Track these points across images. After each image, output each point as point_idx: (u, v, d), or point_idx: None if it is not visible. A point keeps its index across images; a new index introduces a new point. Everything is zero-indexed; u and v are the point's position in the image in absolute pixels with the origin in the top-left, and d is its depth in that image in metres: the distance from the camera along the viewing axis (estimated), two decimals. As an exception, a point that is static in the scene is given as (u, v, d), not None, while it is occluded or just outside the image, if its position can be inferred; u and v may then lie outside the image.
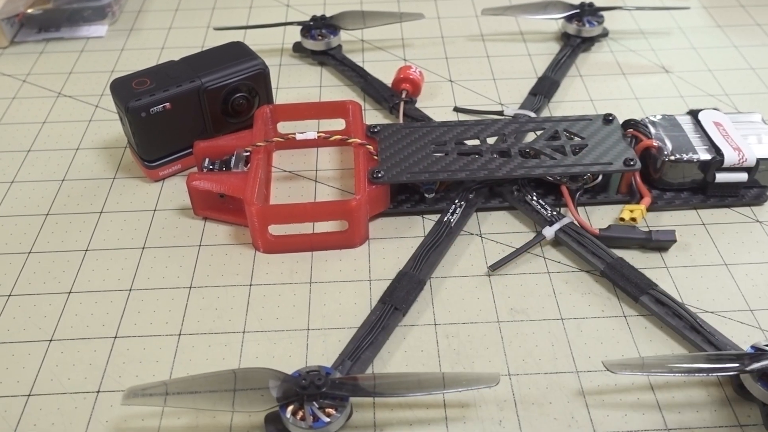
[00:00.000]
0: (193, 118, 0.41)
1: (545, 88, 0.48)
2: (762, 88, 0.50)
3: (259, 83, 0.42)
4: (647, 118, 0.42)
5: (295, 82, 0.51)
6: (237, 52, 0.43)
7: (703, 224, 0.39)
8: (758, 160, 0.39)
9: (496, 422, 0.30)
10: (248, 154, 0.40)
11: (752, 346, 0.31)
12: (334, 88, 0.51)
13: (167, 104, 0.39)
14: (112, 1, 0.58)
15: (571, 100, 0.49)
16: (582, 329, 0.34)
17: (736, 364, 0.29)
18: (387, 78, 0.49)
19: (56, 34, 0.57)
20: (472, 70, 0.52)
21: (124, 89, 0.40)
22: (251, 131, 0.42)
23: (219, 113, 0.42)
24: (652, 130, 0.41)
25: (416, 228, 0.39)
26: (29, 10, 0.56)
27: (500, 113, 0.47)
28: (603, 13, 0.54)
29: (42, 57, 0.55)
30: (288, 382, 0.29)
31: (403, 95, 0.47)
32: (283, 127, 0.45)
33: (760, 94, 0.49)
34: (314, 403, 0.28)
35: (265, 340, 0.34)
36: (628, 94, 0.49)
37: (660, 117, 0.42)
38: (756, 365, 0.29)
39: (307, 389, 0.28)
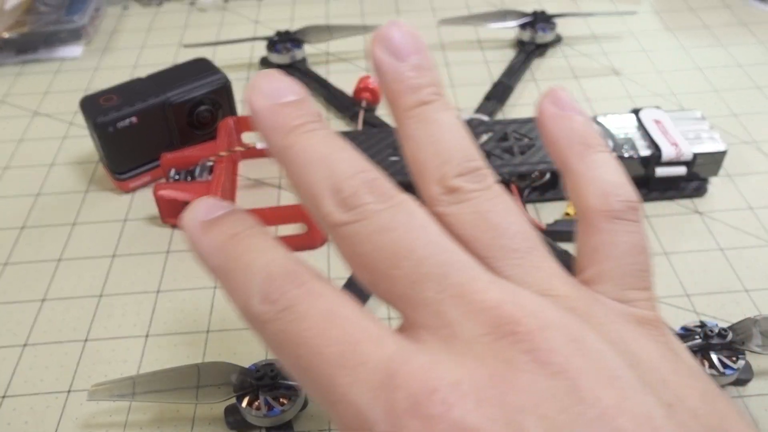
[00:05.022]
0: (160, 131, 0.43)
1: (499, 93, 0.51)
2: (707, 87, 0.52)
3: (222, 96, 0.45)
4: (592, 117, 0.44)
5: (262, 95, 0.53)
6: (200, 67, 0.45)
7: (645, 217, 0.41)
8: (695, 155, 0.41)
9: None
10: (212, 163, 0.42)
11: (681, 327, 0.33)
12: (299, 100, 0.53)
13: (134, 119, 0.42)
14: (87, 23, 0.61)
15: (525, 104, 0.51)
16: (528, 318, 0.36)
17: (666, 344, 0.31)
18: (350, 88, 0.51)
19: (33, 55, 0.59)
20: (431, 78, 0.54)
21: (92, 106, 0.42)
22: (216, 142, 0.44)
23: (185, 126, 0.44)
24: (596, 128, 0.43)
25: (374, 229, 0.41)
26: (6, 35, 0.59)
27: (456, 118, 0.49)
28: (557, 19, 0.56)
29: (19, 78, 0.57)
30: (244, 374, 0.31)
31: (363, 104, 0.49)
32: (249, 137, 0.47)
33: (705, 93, 0.51)
34: (269, 393, 0.30)
35: (227, 339, 0.36)
36: (579, 96, 0.51)
37: (604, 117, 0.44)
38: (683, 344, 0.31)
39: (261, 380, 0.30)
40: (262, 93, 0.18)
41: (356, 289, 0.38)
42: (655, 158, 0.41)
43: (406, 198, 0.17)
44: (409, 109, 0.19)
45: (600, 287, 0.19)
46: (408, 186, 0.43)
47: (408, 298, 0.16)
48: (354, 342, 0.15)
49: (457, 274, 0.16)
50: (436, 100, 0.19)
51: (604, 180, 0.19)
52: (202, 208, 0.18)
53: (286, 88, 0.18)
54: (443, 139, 0.18)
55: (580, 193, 0.20)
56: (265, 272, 0.16)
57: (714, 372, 0.31)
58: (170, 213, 0.41)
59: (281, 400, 0.30)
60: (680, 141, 0.41)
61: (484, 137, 0.44)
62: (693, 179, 0.42)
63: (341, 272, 0.38)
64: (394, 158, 0.42)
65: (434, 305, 0.16)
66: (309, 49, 0.56)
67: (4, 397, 0.33)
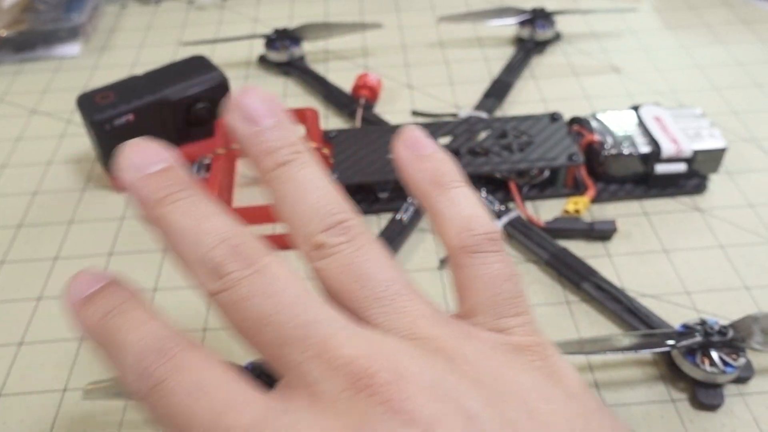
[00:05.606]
0: (157, 129, 0.43)
1: (498, 90, 0.50)
2: (707, 85, 0.52)
3: (219, 94, 0.44)
4: (591, 115, 0.44)
5: (260, 93, 0.53)
6: (197, 65, 0.45)
7: (645, 214, 0.41)
8: (695, 152, 0.41)
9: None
10: (210, 161, 0.42)
11: (682, 325, 0.32)
12: (297, 97, 0.53)
13: (130, 116, 0.41)
14: (85, 21, 0.60)
15: (524, 101, 0.51)
16: (527, 316, 0.36)
17: (666, 341, 0.31)
18: (348, 85, 0.51)
19: (31, 54, 0.59)
20: (430, 75, 0.54)
21: (88, 103, 0.41)
22: (214, 140, 0.43)
23: (182, 124, 0.44)
24: (596, 126, 0.43)
25: (372, 227, 0.41)
26: (4, 33, 0.58)
27: (454, 115, 0.49)
28: (556, 17, 0.56)
29: (18, 77, 0.57)
30: (240, 372, 0.30)
31: (362, 101, 0.49)
32: (247, 135, 0.46)
33: (705, 91, 0.51)
34: (265, 390, 0.30)
35: (224, 337, 0.35)
36: (578, 93, 0.51)
37: (604, 113, 0.44)
38: (684, 342, 0.31)
39: (257, 379, 0.30)
40: (129, 166, 0.19)
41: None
42: (655, 155, 0.41)
43: (270, 261, 0.18)
44: (270, 171, 0.19)
45: (475, 320, 0.19)
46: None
47: (277, 360, 0.17)
48: (219, 412, 0.16)
49: (318, 332, 0.17)
50: (295, 159, 0.19)
51: (459, 216, 0.20)
52: (79, 285, 0.19)
53: (152, 157, 0.19)
54: (305, 197, 0.19)
55: (442, 233, 0.20)
56: (137, 350, 0.17)
57: (714, 370, 0.30)
58: (167, 211, 0.41)
59: (278, 398, 0.30)
60: (680, 138, 0.41)
61: (483, 134, 0.44)
62: (693, 176, 0.42)
63: (339, 270, 0.38)
64: (391, 156, 0.42)
65: (299, 366, 0.17)
66: (307, 47, 0.56)
67: (-1, 395, 0.33)
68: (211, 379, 0.17)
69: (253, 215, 0.39)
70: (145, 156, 0.19)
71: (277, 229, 0.41)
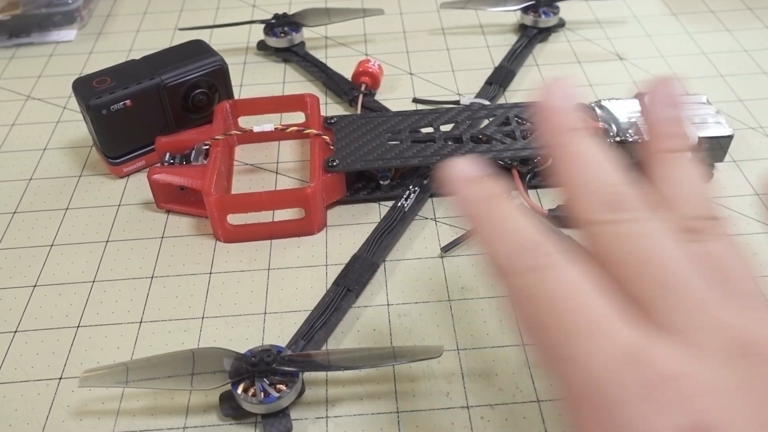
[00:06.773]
0: (155, 115, 0.42)
1: (501, 77, 0.50)
2: (712, 72, 0.51)
3: (218, 79, 0.44)
4: (596, 102, 0.43)
5: (259, 79, 0.53)
6: (196, 49, 0.44)
7: (650, 202, 0.41)
8: (700, 139, 0.40)
9: (443, 394, 0.31)
10: (208, 147, 0.41)
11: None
12: (297, 84, 0.52)
13: (128, 101, 0.41)
14: (80, 6, 0.59)
15: (528, 89, 0.50)
16: (530, 305, 0.35)
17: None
18: (349, 72, 0.50)
19: (26, 39, 0.58)
20: (432, 62, 0.53)
21: (85, 88, 0.41)
22: (212, 126, 0.43)
23: (180, 109, 0.43)
24: (600, 113, 0.42)
25: (373, 214, 0.41)
26: (-1, 17, 0.58)
27: (457, 103, 0.48)
28: (560, 3, 0.55)
29: (12, 62, 0.56)
30: (239, 360, 0.30)
31: (362, 88, 0.48)
32: (246, 121, 0.46)
33: (710, 78, 0.50)
34: (265, 379, 0.30)
35: (222, 325, 0.35)
36: (582, 81, 0.51)
37: (608, 101, 0.43)
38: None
39: (257, 366, 0.29)
40: (552, 95, 0.22)
41: (357, 268, 0.37)
42: (660, 143, 0.40)
43: (652, 215, 0.19)
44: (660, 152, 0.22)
45: None
46: (407, 171, 0.41)
47: (653, 299, 0.18)
48: (600, 315, 0.17)
49: (693, 291, 0.17)
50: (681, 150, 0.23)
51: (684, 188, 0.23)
52: (466, 167, 0.21)
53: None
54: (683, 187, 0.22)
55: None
56: (520, 235, 0.19)
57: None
58: (165, 198, 0.40)
59: (278, 386, 0.30)
60: (685, 126, 0.40)
61: (486, 122, 0.43)
62: (698, 165, 0.42)
63: (338, 258, 0.38)
64: (393, 143, 0.41)
65: (676, 312, 0.17)
66: (307, 33, 0.55)
67: (-6, 383, 0.33)
68: (587, 285, 0.18)
69: (249, 202, 0.38)
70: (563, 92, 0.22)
71: (275, 216, 0.40)
